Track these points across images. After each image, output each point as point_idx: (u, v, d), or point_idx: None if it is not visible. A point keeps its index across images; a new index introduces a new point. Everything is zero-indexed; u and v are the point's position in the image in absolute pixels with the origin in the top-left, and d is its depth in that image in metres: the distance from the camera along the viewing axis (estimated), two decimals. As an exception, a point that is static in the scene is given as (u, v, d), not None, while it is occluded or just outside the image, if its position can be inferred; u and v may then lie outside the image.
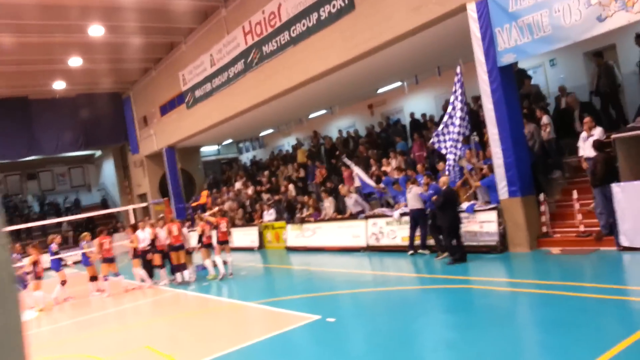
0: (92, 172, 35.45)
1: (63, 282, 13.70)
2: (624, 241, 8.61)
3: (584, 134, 10.15)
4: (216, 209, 14.39)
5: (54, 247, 14.43)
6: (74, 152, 29.77)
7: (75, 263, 17.24)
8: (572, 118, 12.06)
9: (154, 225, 13.89)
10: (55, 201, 32.52)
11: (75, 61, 21.66)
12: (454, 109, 11.22)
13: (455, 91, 11.18)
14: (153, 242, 13.56)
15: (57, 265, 13.99)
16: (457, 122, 11.10)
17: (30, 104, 25.96)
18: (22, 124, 25.58)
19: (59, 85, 24.55)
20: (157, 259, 13.62)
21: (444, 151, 11.36)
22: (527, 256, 9.73)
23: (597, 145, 9.35)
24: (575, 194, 9.97)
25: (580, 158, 10.29)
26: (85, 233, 15.41)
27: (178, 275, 13.28)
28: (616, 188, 8.66)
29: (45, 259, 14.55)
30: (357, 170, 14.78)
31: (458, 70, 11.07)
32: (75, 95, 26.81)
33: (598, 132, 9.81)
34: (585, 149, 9.94)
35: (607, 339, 5.06)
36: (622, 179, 8.95)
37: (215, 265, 13.17)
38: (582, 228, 9.72)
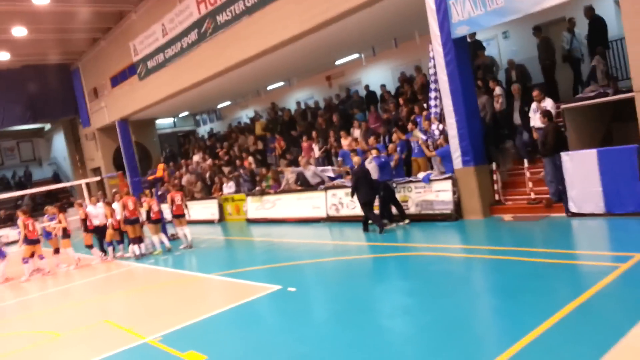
0: (43, 146, 34.17)
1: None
2: (572, 207, 9.03)
3: (534, 105, 10.52)
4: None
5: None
6: (21, 126, 28.58)
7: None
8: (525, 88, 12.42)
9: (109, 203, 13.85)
10: (4, 176, 31.31)
11: (19, 31, 20.56)
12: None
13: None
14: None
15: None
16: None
17: (-29, 76, 24.68)
18: (-36, 96, 24.34)
19: (3, 56, 23.33)
20: (110, 235, 13.67)
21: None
22: (480, 223, 10.08)
23: (546, 114, 9.69)
24: (526, 163, 10.36)
25: (535, 134, 10.62)
26: (47, 207, 15.07)
27: (135, 248, 13.16)
28: (565, 157, 9.03)
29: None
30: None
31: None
32: (20, 66, 25.58)
33: (548, 103, 10.17)
34: (536, 119, 10.34)
35: (556, 302, 5.34)
36: (570, 148, 9.34)
37: (161, 242, 13.39)
38: (532, 195, 10.13)
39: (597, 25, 11.11)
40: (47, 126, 32.04)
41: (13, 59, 23.92)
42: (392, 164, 11.83)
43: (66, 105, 27.73)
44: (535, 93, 10.51)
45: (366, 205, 10.92)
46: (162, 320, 7.31)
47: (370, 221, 11.17)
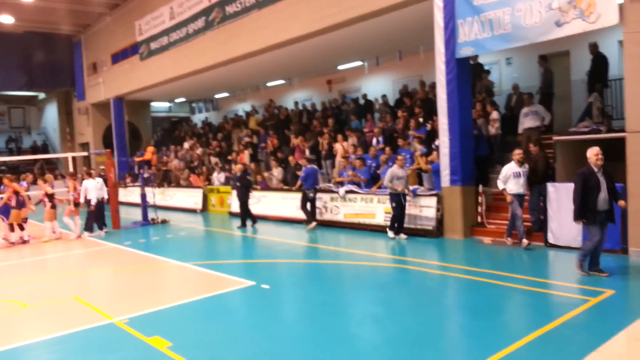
0: (34, 114, 33.85)
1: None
2: (551, 238, 9.12)
3: (525, 109, 11.42)
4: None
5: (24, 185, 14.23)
6: (15, 92, 28.29)
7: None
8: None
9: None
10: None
11: (27, -5, 20.44)
12: None
13: None
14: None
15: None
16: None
17: (-30, 35, 24.42)
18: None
19: (6, 19, 23.11)
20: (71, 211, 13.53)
21: None
22: (460, 243, 10.13)
23: (537, 143, 9.92)
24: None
25: (519, 136, 11.62)
26: (66, 173, 14.94)
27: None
28: (550, 187, 9.12)
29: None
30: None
31: None
32: (23, 32, 25.37)
33: (539, 108, 11.30)
34: (525, 122, 11.40)
35: (523, 327, 5.40)
36: (557, 179, 9.42)
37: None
38: (514, 222, 10.17)
39: (600, 62, 11.23)
40: (42, 95, 31.77)
41: (17, 23, 23.73)
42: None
43: (63, 77, 27.54)
44: (525, 97, 11.51)
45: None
46: (131, 303, 7.24)
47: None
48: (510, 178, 9.28)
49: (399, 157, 11.09)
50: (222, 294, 7.44)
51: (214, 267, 9.13)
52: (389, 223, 11.30)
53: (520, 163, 9.30)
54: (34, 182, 15.47)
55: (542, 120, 11.27)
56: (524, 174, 9.35)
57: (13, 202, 12.76)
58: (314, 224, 12.82)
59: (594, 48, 11.39)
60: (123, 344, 5.61)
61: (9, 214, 12.94)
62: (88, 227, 13.70)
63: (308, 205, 12.88)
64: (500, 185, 9.39)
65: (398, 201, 10.79)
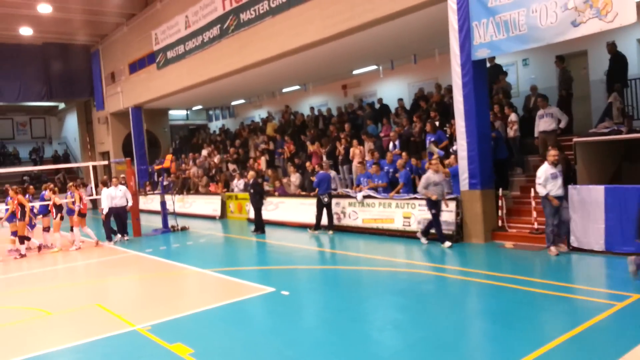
0: (54, 124, 34.43)
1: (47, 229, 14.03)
2: (574, 242, 8.97)
3: (540, 112, 11.19)
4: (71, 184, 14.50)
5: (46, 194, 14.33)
6: (36, 102, 28.84)
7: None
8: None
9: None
10: (15, 150, 31.64)
11: (44, 8, 20.82)
12: None
13: None
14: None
15: (46, 210, 14.07)
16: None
17: (-7, 48, 24.94)
18: (-17, 66, 24.59)
19: (26, 31, 23.59)
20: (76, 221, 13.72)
21: None
22: (481, 247, 10.03)
23: (556, 145, 9.75)
24: (532, 192, 10.30)
25: (536, 139, 11.46)
26: (70, 183, 15.06)
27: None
28: (572, 190, 8.98)
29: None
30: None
31: None
32: (42, 43, 25.86)
33: (554, 111, 11.05)
34: (541, 124, 11.18)
35: (548, 332, 5.33)
36: (579, 182, 9.29)
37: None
38: (536, 225, 10.06)
39: (618, 61, 11.09)
40: (61, 105, 32.28)
41: (35, 35, 24.18)
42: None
43: (82, 87, 27.98)
44: (539, 100, 11.25)
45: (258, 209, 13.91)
46: (153, 310, 7.32)
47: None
48: (549, 180, 8.80)
49: (433, 161, 10.57)
50: (242, 301, 7.47)
51: (234, 274, 9.18)
52: (410, 227, 11.25)
53: (555, 164, 8.86)
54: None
55: (558, 123, 11.06)
56: (560, 174, 8.89)
57: (18, 214, 12.72)
58: (330, 232, 13.01)
59: (612, 47, 11.26)
60: (146, 350, 5.67)
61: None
62: (107, 236, 13.87)
63: (324, 211, 12.98)
64: (541, 191, 8.82)
65: (437, 208, 10.30)
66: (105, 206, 13.63)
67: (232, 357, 5.31)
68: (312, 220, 13.85)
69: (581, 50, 12.77)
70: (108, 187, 14.07)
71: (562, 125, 11.14)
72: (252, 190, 14.04)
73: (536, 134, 11.38)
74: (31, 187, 15.42)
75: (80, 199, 13.58)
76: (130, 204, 14.32)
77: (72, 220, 13.62)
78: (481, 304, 6.86)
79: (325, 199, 12.94)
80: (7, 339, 6.55)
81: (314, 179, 13.46)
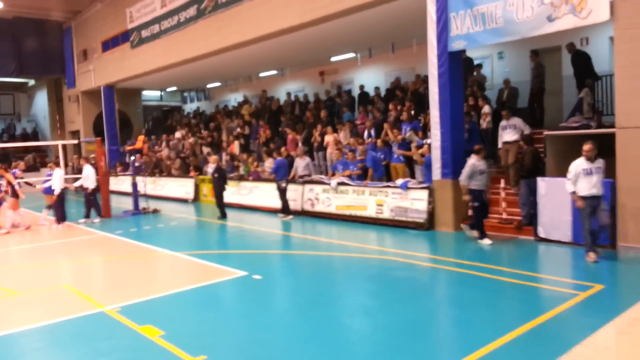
0: (24, 101, 33.46)
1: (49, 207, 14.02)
2: (541, 232, 9.21)
3: (503, 122, 11.03)
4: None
5: (18, 172, 14.42)
6: (4, 78, 28.00)
7: None
8: (513, 110, 12.62)
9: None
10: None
11: (15, -19, 20.15)
12: None
13: None
14: None
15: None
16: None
17: (-40, 20, 24.09)
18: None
19: (-4, 4, 22.82)
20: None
21: None
22: (450, 236, 10.21)
23: (525, 138, 9.94)
24: (502, 183, 10.52)
25: (499, 150, 11.28)
26: (17, 162, 14.97)
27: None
28: (541, 182, 9.19)
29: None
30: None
31: None
32: (12, 17, 25.05)
33: (517, 122, 10.81)
34: (504, 135, 11.01)
35: (512, 320, 5.48)
36: (547, 174, 9.51)
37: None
38: (505, 215, 10.29)
39: (579, 59, 11.27)
40: (31, 82, 31.40)
41: (6, 8, 23.41)
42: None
43: (53, 64, 27.27)
44: (504, 113, 11.06)
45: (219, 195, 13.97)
46: (123, 291, 7.26)
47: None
48: (580, 176, 7.88)
49: (479, 146, 9.69)
50: (214, 284, 7.47)
51: (206, 257, 9.14)
52: (382, 215, 11.35)
53: (590, 159, 7.83)
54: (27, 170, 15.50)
55: (521, 133, 10.81)
56: (596, 170, 7.83)
57: (9, 191, 12.98)
58: (290, 216, 13.37)
59: (571, 47, 11.42)
60: (114, 332, 5.63)
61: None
62: (59, 218, 13.56)
63: (284, 196, 13.38)
64: (569, 187, 7.96)
65: (481, 198, 9.44)
66: (57, 187, 13.31)
67: (203, 340, 5.32)
68: (285, 205, 13.92)
69: (556, 45, 12.97)
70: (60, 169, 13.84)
71: (525, 133, 10.54)
72: (216, 175, 13.93)
73: (500, 145, 11.19)
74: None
75: (8, 182, 13.14)
76: (91, 186, 14.04)
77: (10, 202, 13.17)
78: (449, 291, 7.01)
79: (283, 184, 13.30)
80: (-29, 319, 6.43)
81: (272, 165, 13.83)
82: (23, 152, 27.96)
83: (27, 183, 15.09)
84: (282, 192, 13.41)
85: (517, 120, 10.90)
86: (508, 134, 10.93)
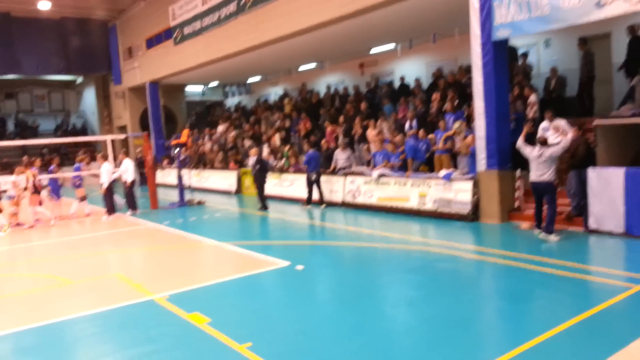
0: (72, 98, 34.68)
1: (82, 198, 14.59)
2: (592, 223, 8.91)
3: (544, 124, 10.32)
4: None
5: (54, 168, 14.99)
6: (54, 76, 29.07)
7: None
8: (561, 99, 12.27)
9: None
10: (36, 123, 31.94)
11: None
12: None
13: None
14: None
15: (55, 184, 14.91)
16: None
17: (12, 21, 25.08)
18: (3, 40, 24.75)
19: (44, 5, 23.64)
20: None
21: None
22: (496, 227, 10.02)
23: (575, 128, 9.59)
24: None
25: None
26: (82, 155, 15.58)
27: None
28: (591, 172, 8.89)
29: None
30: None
31: None
32: (60, 17, 25.97)
33: (561, 122, 9.90)
34: (546, 137, 10.03)
35: (562, 313, 5.33)
36: (598, 164, 9.20)
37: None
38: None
39: (638, 44, 10.83)
40: (79, 79, 32.48)
41: (53, 9, 24.25)
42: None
43: (100, 61, 28.13)
44: (547, 115, 10.23)
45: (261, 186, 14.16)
46: (171, 280, 7.46)
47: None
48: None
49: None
50: (258, 274, 7.59)
51: (250, 248, 9.29)
52: (425, 207, 11.23)
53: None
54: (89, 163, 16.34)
55: (564, 136, 10.23)
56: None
57: (30, 188, 13.38)
58: (323, 205, 13.74)
59: (632, 29, 10.98)
60: (163, 319, 5.81)
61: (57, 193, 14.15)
62: (109, 209, 14.11)
63: (314, 188, 13.74)
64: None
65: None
66: (106, 180, 13.80)
67: (248, 328, 5.42)
68: (327, 197, 13.97)
69: (605, 32, 12.51)
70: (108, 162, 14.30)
71: (569, 137, 9.22)
72: (258, 167, 14.09)
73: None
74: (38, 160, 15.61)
75: (28, 179, 13.40)
76: (130, 179, 14.43)
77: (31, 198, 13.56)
78: (496, 283, 6.89)
79: (314, 176, 13.61)
80: (30, 305, 6.75)
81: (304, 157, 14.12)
82: (73, 147, 28.97)
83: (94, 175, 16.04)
84: (311, 184, 13.75)
85: (561, 122, 9.95)
86: (550, 137, 9.78)
